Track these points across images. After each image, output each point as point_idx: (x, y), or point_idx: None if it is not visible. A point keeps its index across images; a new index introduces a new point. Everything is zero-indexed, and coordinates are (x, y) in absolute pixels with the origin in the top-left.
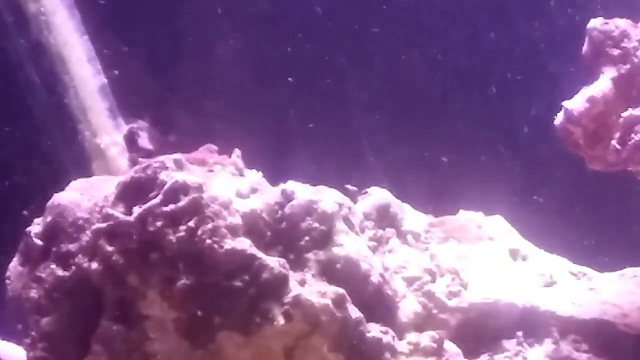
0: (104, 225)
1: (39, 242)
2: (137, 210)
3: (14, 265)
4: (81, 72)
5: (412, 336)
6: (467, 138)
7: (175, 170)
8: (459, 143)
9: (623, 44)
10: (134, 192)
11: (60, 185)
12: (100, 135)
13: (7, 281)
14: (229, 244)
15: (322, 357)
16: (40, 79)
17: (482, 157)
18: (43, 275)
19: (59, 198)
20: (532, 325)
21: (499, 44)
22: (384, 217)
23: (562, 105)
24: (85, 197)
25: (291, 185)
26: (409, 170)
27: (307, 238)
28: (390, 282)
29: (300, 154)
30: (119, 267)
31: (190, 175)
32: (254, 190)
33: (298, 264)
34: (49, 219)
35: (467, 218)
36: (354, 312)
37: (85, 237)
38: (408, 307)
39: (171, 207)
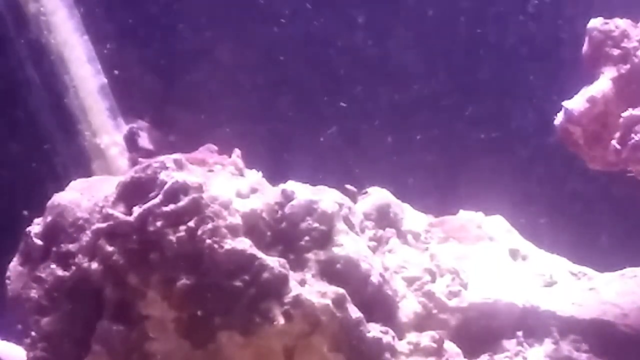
0: (104, 225)
1: (39, 242)
2: (137, 210)
3: (14, 265)
4: (81, 72)
5: (412, 336)
6: (467, 138)
7: (175, 170)
8: (459, 143)
9: (623, 44)
10: (134, 192)
11: (60, 185)
12: (100, 135)
13: (7, 281)
14: (229, 244)
15: (322, 357)
16: (40, 79)
17: (482, 157)
18: (43, 275)
19: (59, 198)
20: (532, 325)
21: (498, 44)
22: (384, 217)
23: (562, 105)
24: (85, 197)
25: (291, 185)
26: (409, 170)
27: (307, 238)
28: (390, 282)
29: (300, 154)
30: (119, 267)
31: (190, 175)
32: (254, 190)
33: (298, 264)
34: (49, 219)
35: (467, 218)
36: (354, 312)
37: (85, 237)
38: (408, 307)
39: (171, 207)
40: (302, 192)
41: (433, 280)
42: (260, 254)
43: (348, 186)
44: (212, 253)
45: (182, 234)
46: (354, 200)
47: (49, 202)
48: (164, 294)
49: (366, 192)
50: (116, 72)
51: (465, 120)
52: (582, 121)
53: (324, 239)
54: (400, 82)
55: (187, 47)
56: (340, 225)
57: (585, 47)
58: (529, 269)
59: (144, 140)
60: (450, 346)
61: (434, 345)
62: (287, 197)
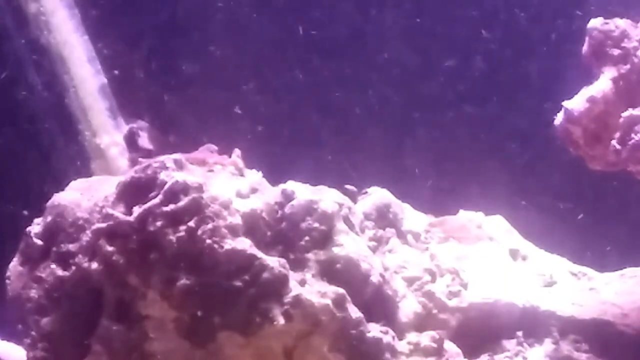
0: (104, 225)
1: (39, 242)
2: (137, 210)
3: (14, 265)
4: (81, 72)
5: (412, 336)
6: (468, 138)
7: (175, 170)
8: (459, 143)
9: (623, 44)
10: (134, 192)
11: (60, 185)
12: (100, 135)
13: (7, 281)
14: (229, 244)
15: (322, 357)
16: (40, 79)
17: (483, 157)
18: (43, 275)
19: (59, 198)
20: (532, 325)
21: (499, 44)
22: (384, 217)
23: (562, 105)
24: (85, 197)
25: (291, 185)
26: (409, 170)
27: (307, 238)
28: (390, 282)
29: (300, 154)
30: (119, 267)
31: (190, 175)
32: (254, 190)
33: (298, 264)
34: (49, 219)
35: (467, 218)
36: (354, 312)
37: (85, 237)
38: (408, 307)
39: (171, 207)
40: (302, 192)
41: (433, 280)
42: (260, 254)
43: (348, 186)
44: (212, 253)
45: (182, 234)
46: (354, 200)
47: (49, 202)
48: (164, 294)
49: (366, 192)
50: (116, 72)
51: (465, 120)
52: (582, 121)
53: (324, 239)
54: (401, 82)
55: (188, 47)
56: (340, 225)
57: (585, 47)
58: (529, 269)
59: (144, 140)
60: (450, 346)
61: (434, 345)
62: (287, 197)
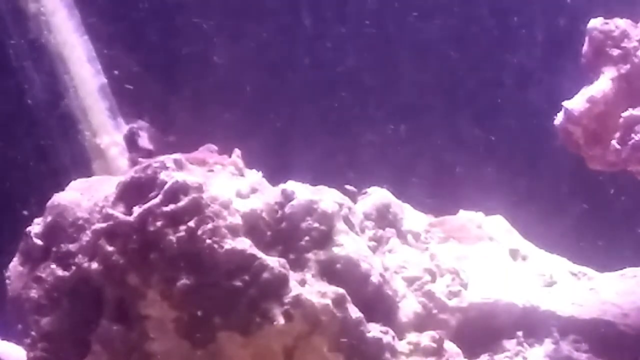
0: (104, 225)
1: (39, 242)
2: (137, 210)
3: (14, 265)
4: (81, 72)
5: (412, 336)
6: (468, 138)
7: (175, 170)
8: (459, 143)
9: (623, 44)
10: (134, 192)
11: (60, 185)
12: (100, 135)
13: (7, 281)
14: (229, 244)
15: (322, 357)
16: (40, 79)
17: (483, 157)
18: (43, 275)
19: (59, 198)
20: (532, 325)
21: (499, 45)
22: (384, 217)
23: (562, 105)
24: (85, 197)
25: (291, 185)
26: (409, 170)
27: (307, 238)
28: (390, 282)
29: (300, 154)
30: (119, 267)
31: (190, 175)
32: (254, 190)
33: (298, 264)
34: (49, 219)
35: (467, 218)
36: (354, 312)
37: (86, 237)
38: (408, 307)
39: (171, 207)
40: (302, 192)
41: (433, 280)
42: (260, 254)
43: (348, 186)
44: (212, 253)
45: (182, 234)
46: (354, 200)
47: (49, 202)
48: (164, 294)
49: (366, 192)
50: (116, 72)
51: (465, 120)
52: (582, 121)
53: (324, 239)
54: (401, 82)
55: (188, 47)
56: (340, 225)
57: (585, 47)
58: (529, 269)
59: (144, 140)
60: (450, 346)
61: (434, 345)
62: (287, 197)
